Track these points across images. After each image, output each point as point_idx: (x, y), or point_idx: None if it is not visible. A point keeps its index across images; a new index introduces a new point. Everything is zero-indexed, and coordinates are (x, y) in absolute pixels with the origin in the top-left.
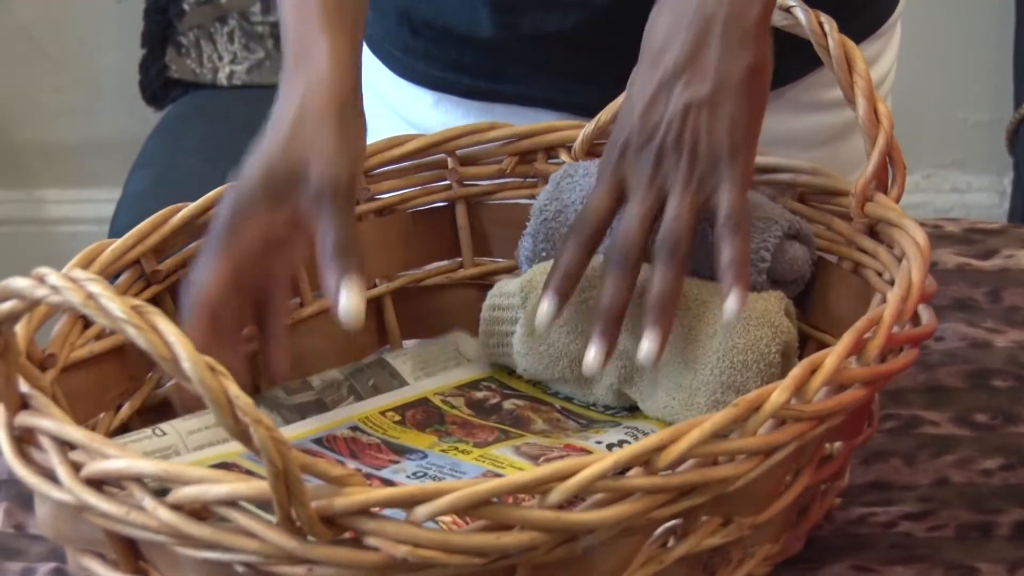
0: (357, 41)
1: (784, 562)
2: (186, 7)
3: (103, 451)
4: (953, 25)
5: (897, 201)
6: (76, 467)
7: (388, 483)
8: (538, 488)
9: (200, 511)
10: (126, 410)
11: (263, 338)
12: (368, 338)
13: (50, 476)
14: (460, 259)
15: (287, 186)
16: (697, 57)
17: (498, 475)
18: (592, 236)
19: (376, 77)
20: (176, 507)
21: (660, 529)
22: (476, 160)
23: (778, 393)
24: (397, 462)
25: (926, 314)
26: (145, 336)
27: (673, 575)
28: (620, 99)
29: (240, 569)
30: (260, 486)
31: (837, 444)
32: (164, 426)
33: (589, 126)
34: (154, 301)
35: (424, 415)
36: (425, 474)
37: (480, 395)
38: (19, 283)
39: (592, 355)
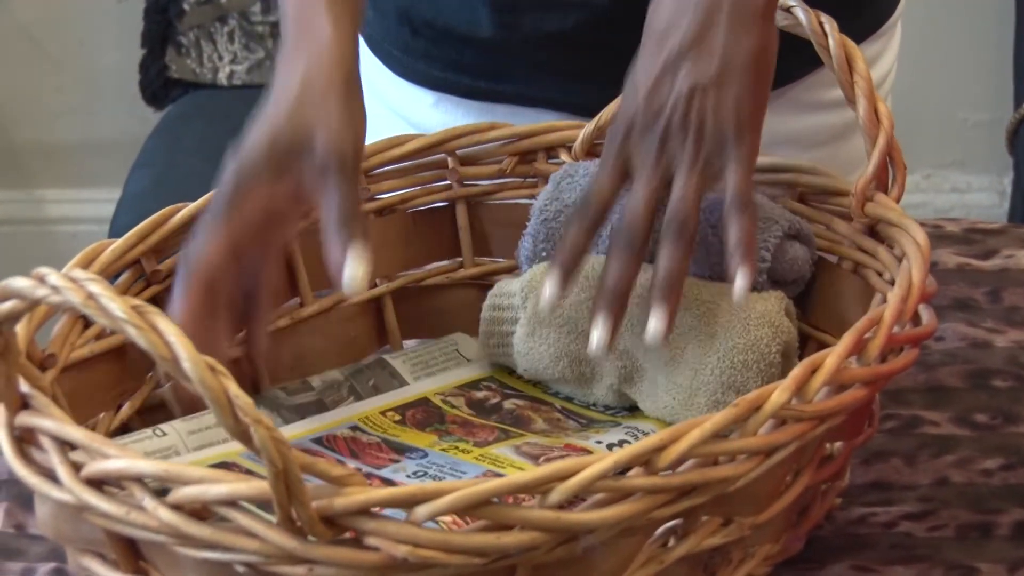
0: (357, 23)
1: (784, 562)
2: (186, 7)
3: (103, 451)
4: (953, 25)
5: (897, 201)
6: (76, 467)
7: (388, 482)
8: (538, 488)
9: (200, 511)
10: (126, 410)
11: (250, 309)
12: (368, 338)
13: (50, 476)
14: (460, 259)
15: (291, 156)
16: (704, 38)
17: (498, 475)
18: (596, 216)
19: (376, 77)
20: (176, 507)
21: (660, 529)
22: (476, 160)
23: (778, 393)
24: (398, 461)
25: (926, 314)
26: (145, 336)
27: (673, 575)
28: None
29: (240, 569)
30: (260, 486)
31: (837, 444)
32: (164, 426)
33: (589, 126)
34: (154, 301)
35: (424, 415)
36: (425, 473)
37: (480, 395)
38: (19, 283)
39: (597, 335)
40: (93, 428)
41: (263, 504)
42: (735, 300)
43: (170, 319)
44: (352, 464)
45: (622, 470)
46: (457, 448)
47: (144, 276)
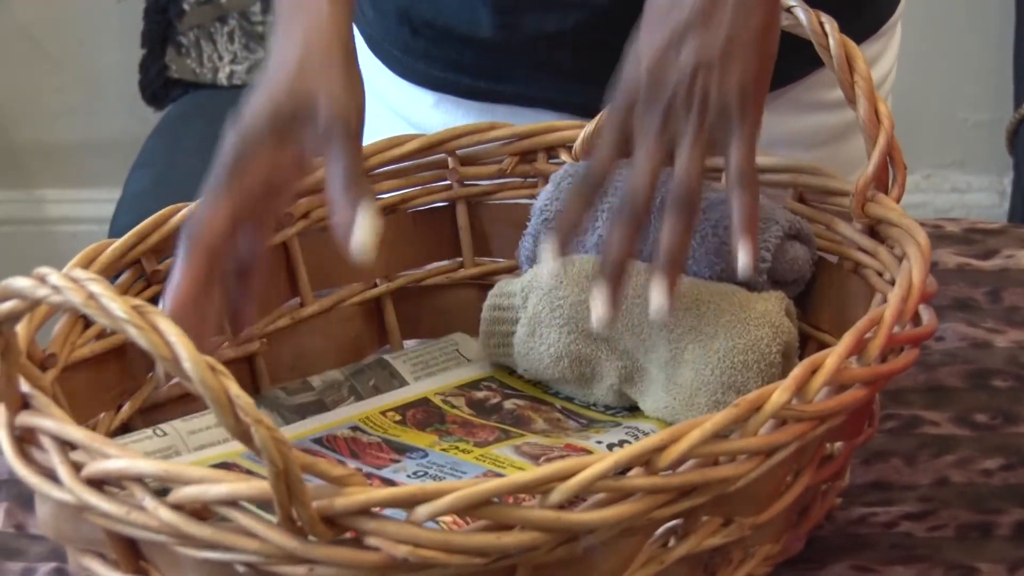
0: (351, 2)
1: (785, 562)
2: (186, 7)
3: (104, 451)
4: (953, 25)
5: (897, 201)
6: (77, 467)
7: (389, 482)
8: (539, 488)
9: (201, 511)
10: (126, 410)
11: (242, 282)
12: (368, 338)
13: (51, 476)
14: (460, 259)
15: (294, 123)
16: (711, 13)
17: (498, 475)
18: (595, 185)
19: (376, 77)
20: (177, 507)
21: (661, 529)
22: (476, 160)
23: (779, 393)
24: (398, 461)
25: (926, 314)
26: (146, 336)
27: (674, 575)
28: None
29: (241, 569)
30: (261, 486)
31: (838, 444)
32: (164, 426)
33: (589, 126)
34: (154, 301)
35: (425, 415)
36: (426, 473)
37: (481, 395)
38: (20, 283)
39: (600, 306)
40: (93, 428)
41: (264, 504)
42: (740, 274)
43: (173, 290)
44: (352, 464)
45: (622, 470)
46: (457, 448)
47: (144, 276)
